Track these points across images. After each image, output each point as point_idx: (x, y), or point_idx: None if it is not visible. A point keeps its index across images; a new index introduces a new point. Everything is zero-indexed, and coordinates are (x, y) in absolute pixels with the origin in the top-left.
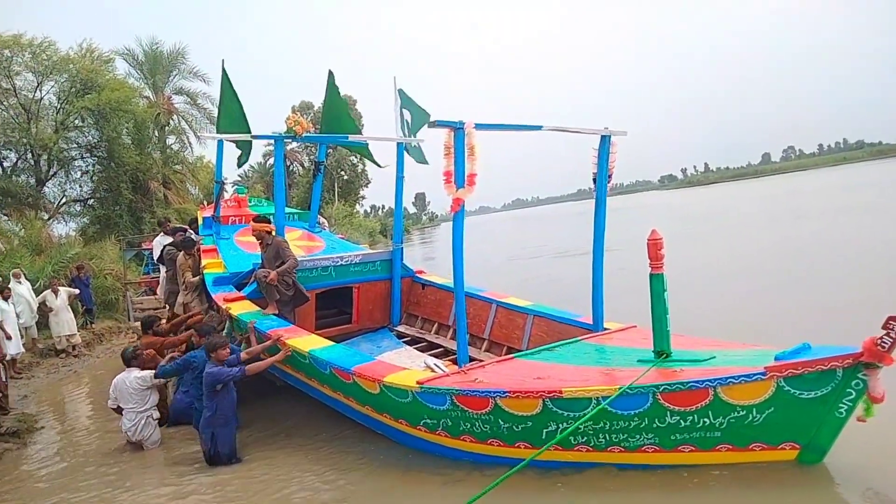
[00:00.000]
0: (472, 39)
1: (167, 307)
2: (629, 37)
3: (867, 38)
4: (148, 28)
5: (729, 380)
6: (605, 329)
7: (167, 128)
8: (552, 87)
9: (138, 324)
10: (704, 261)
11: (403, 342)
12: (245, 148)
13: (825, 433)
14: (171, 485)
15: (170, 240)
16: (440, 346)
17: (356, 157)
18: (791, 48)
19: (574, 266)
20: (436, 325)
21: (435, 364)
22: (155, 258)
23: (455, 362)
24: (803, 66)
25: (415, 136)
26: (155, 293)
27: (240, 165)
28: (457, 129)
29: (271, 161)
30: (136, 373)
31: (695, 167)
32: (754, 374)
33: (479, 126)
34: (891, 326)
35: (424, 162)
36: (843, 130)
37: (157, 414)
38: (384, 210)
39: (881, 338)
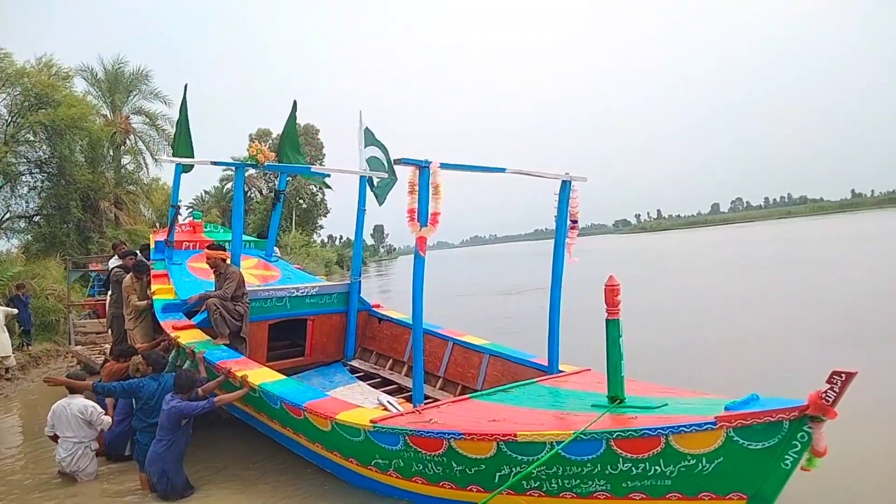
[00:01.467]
0: (427, 80)
1: (110, 331)
2: (584, 81)
3: (813, 96)
4: (118, 46)
5: (680, 428)
6: (561, 371)
7: (123, 147)
8: (512, 125)
9: (79, 349)
10: (658, 306)
11: (357, 377)
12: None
13: (771, 484)
14: None
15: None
16: (394, 383)
17: (315, 186)
18: (740, 97)
19: (523, 303)
20: (391, 361)
21: (388, 401)
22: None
23: (409, 400)
24: (750, 115)
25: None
26: (100, 316)
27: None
28: (422, 167)
29: (228, 186)
30: (78, 401)
31: (648, 213)
32: (705, 424)
33: (444, 165)
34: (835, 381)
35: (380, 201)
36: (787, 185)
37: (95, 445)
38: (342, 240)
39: (826, 391)
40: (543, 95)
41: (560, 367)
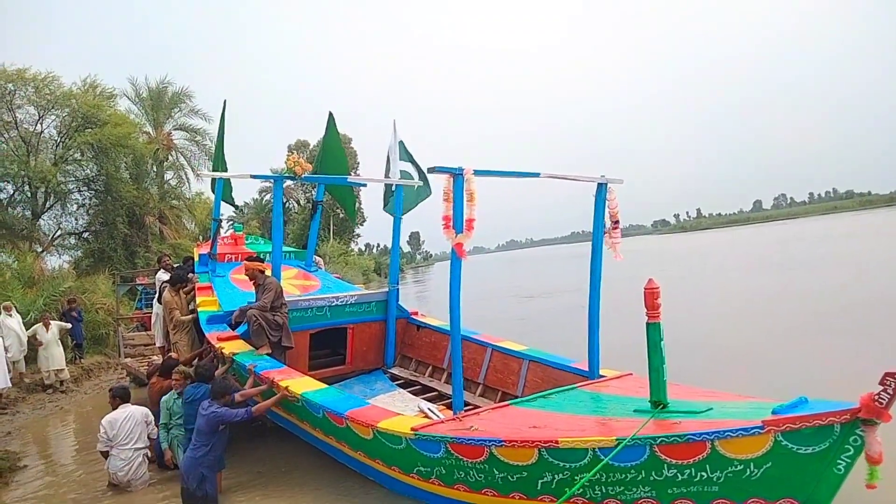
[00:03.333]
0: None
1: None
2: (623, 82)
3: (857, 89)
4: (155, 65)
5: (727, 433)
6: (601, 376)
7: (165, 163)
8: (538, 124)
9: (128, 361)
10: (699, 308)
11: (397, 385)
12: (226, 195)
13: (823, 490)
14: None
15: (167, 274)
16: (434, 390)
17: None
18: (784, 96)
19: (560, 306)
20: (430, 368)
21: (429, 409)
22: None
23: (449, 407)
24: (795, 111)
25: (423, 184)
26: (147, 329)
27: (234, 205)
28: (456, 175)
29: (268, 198)
30: (137, 408)
31: (687, 213)
32: (752, 428)
33: (477, 172)
34: (888, 382)
35: (426, 193)
36: (832, 179)
37: (149, 453)
38: (379, 248)
39: (879, 394)
40: (572, 95)
41: (601, 372)
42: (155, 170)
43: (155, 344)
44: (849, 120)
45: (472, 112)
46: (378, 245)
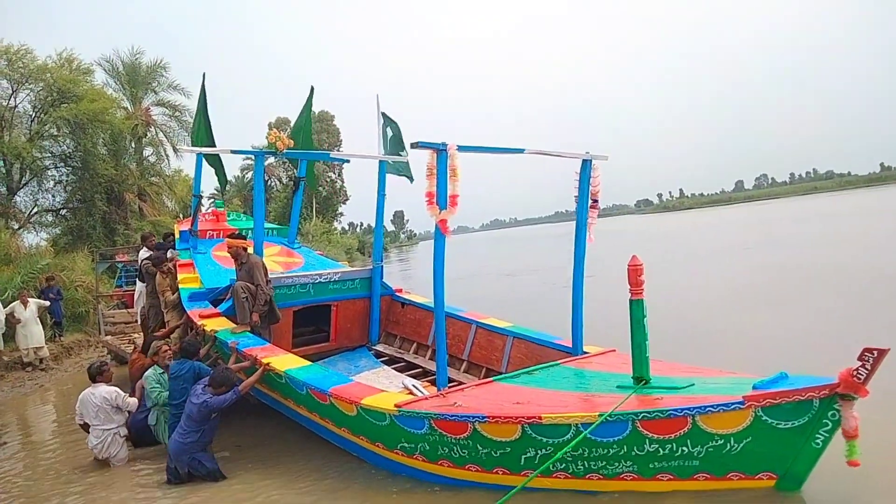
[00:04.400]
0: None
1: (144, 321)
2: (605, 58)
3: (840, 68)
4: (133, 38)
5: (708, 409)
6: (585, 353)
7: (144, 139)
8: (531, 107)
9: (108, 339)
10: (682, 286)
11: (381, 362)
12: (217, 165)
13: (802, 463)
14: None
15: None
16: (419, 367)
17: (334, 174)
18: (764, 77)
19: (540, 285)
20: (414, 345)
21: (413, 385)
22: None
23: (434, 383)
24: (778, 93)
25: (401, 153)
26: (128, 307)
27: (223, 185)
28: (440, 150)
29: (249, 175)
30: (102, 388)
31: (670, 192)
32: (732, 404)
33: (461, 148)
34: (866, 358)
35: (409, 177)
36: (812, 160)
37: (124, 431)
38: (362, 227)
39: (857, 369)
40: (557, 79)
41: (584, 349)
42: (133, 146)
43: (140, 322)
44: (831, 104)
45: (458, 96)
46: (361, 224)
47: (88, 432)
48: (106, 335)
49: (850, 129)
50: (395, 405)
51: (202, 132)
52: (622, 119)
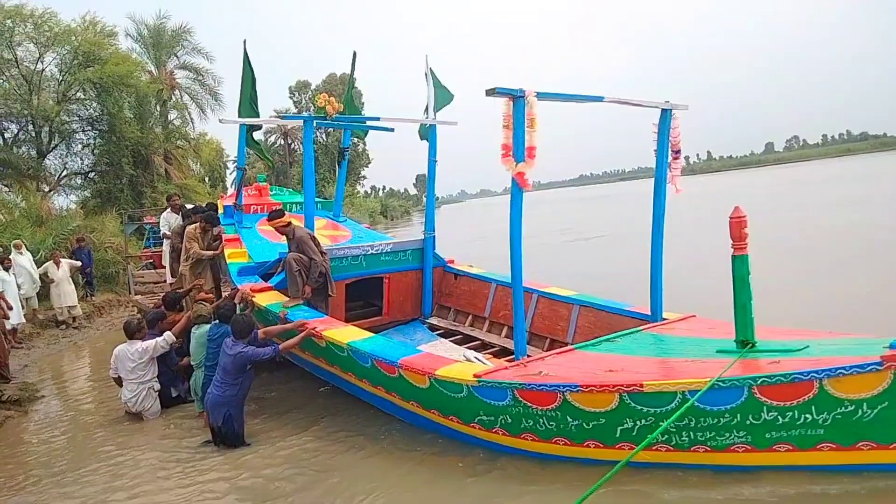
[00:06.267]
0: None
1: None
2: (634, 24)
3: (873, 30)
4: (153, 3)
5: (839, 371)
6: (664, 319)
7: (169, 103)
8: (556, 69)
9: (139, 298)
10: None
11: (437, 335)
12: (257, 148)
13: None
14: (173, 460)
15: (175, 216)
16: (476, 339)
17: (357, 137)
18: (795, 39)
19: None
20: (470, 317)
21: (476, 357)
22: (162, 233)
23: (496, 356)
24: (809, 55)
25: (435, 115)
26: (156, 267)
27: (270, 165)
28: (517, 97)
29: (272, 139)
30: (138, 345)
31: (697, 155)
32: (868, 365)
33: (540, 95)
34: None
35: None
36: (847, 121)
37: (157, 385)
38: (384, 190)
39: None
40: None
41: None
42: (158, 110)
43: (165, 281)
44: (865, 63)
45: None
46: (384, 187)
47: (122, 385)
48: (136, 294)
49: (887, 89)
50: (475, 375)
51: (247, 103)
52: (648, 89)
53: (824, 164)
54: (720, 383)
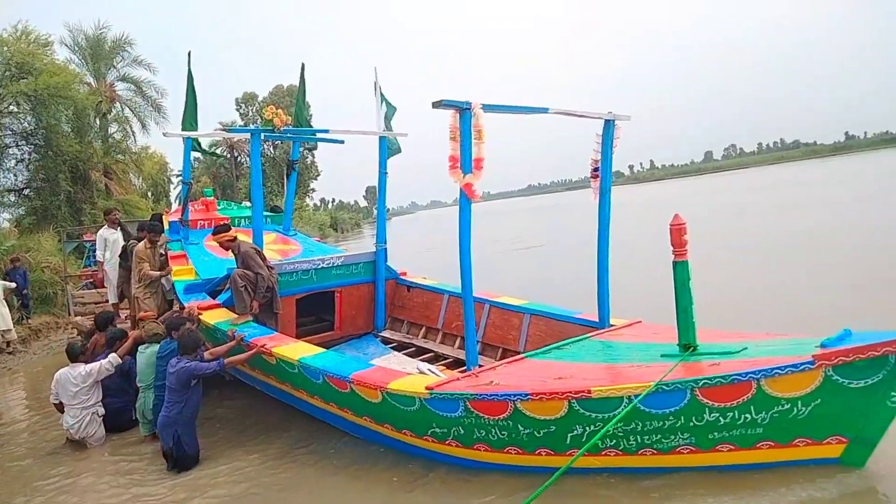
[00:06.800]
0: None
1: (118, 300)
2: (587, 32)
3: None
4: (93, 13)
5: (774, 371)
6: (612, 325)
7: (109, 116)
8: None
9: (78, 319)
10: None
11: (390, 348)
12: (206, 152)
13: (874, 425)
14: (120, 487)
15: (113, 232)
16: (430, 351)
17: (305, 149)
18: (735, 53)
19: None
20: (423, 329)
21: (429, 370)
22: (98, 251)
23: (449, 367)
24: (743, 66)
25: (387, 127)
26: (97, 287)
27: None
28: (463, 109)
29: (217, 152)
30: (81, 368)
31: (640, 164)
32: (801, 364)
33: (486, 107)
34: None
35: (397, 150)
36: (780, 130)
37: (102, 410)
38: (334, 203)
39: None
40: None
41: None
42: (98, 123)
43: (107, 301)
44: (796, 74)
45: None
46: (333, 200)
47: (63, 412)
48: (76, 315)
49: (816, 99)
50: (427, 388)
51: (191, 115)
52: (593, 93)
53: (760, 171)
54: (664, 387)
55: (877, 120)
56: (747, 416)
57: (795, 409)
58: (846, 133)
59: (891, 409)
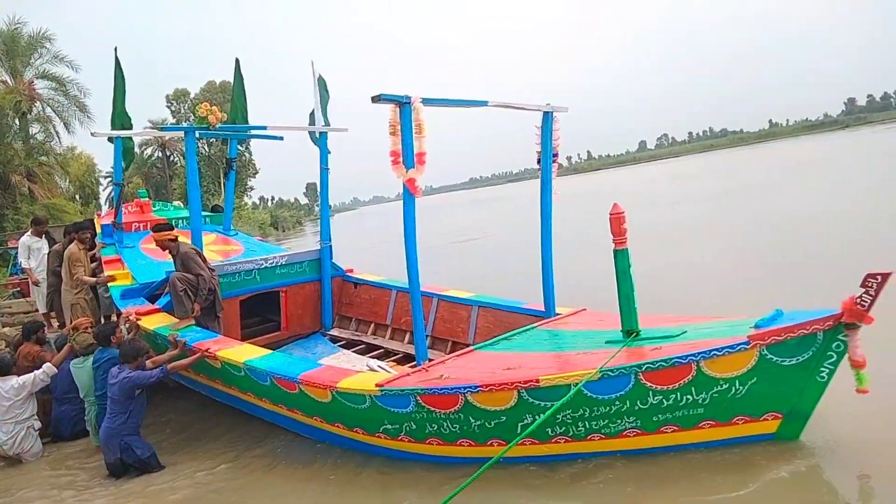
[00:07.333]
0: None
1: (47, 309)
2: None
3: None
4: (6, 5)
5: (712, 352)
6: (558, 314)
7: (30, 116)
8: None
9: (5, 330)
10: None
11: (339, 346)
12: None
13: (807, 399)
14: (66, 499)
15: (37, 240)
16: (380, 348)
17: (242, 146)
18: (663, 39)
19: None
20: (372, 326)
21: (379, 366)
22: (20, 258)
23: (399, 363)
24: (673, 56)
25: (326, 120)
26: (25, 296)
27: (126, 169)
28: (403, 104)
29: (148, 151)
30: (13, 380)
31: (578, 155)
32: (737, 345)
33: (426, 101)
34: (870, 284)
35: (325, 119)
36: (710, 119)
37: (38, 424)
38: (274, 201)
39: (861, 296)
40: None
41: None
42: (18, 123)
43: (37, 311)
44: (720, 61)
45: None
46: (273, 198)
47: None
48: (3, 327)
49: (741, 89)
50: (377, 385)
51: (120, 113)
52: (530, 84)
53: (691, 159)
54: (609, 373)
55: (799, 107)
56: (689, 397)
57: (734, 388)
58: (770, 121)
59: (821, 384)
